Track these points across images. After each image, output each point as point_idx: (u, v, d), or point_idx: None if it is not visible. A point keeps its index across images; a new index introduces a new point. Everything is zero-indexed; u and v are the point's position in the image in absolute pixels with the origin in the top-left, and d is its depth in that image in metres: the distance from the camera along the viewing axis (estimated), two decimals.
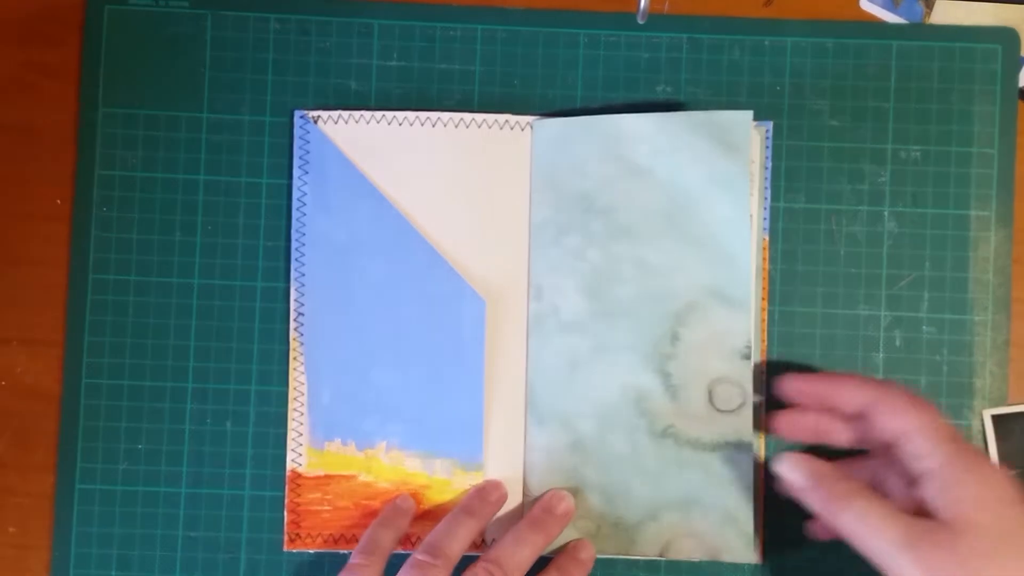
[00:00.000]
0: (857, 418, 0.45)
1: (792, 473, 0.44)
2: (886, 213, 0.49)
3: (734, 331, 0.47)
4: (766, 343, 0.49)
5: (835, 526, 0.42)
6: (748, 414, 0.47)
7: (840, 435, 0.46)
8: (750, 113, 0.47)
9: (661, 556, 0.48)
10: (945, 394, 0.49)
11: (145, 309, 0.49)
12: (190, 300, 0.49)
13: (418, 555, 0.44)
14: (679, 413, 0.48)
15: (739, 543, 0.48)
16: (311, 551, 0.49)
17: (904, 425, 0.42)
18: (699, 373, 0.47)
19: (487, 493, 0.48)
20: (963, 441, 0.42)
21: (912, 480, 0.42)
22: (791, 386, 0.47)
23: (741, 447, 0.47)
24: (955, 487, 0.40)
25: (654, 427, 0.48)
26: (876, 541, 0.40)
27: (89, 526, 0.49)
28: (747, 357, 0.47)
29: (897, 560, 0.40)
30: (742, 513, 0.47)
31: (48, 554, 0.49)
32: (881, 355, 0.49)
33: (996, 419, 0.49)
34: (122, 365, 0.49)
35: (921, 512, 0.41)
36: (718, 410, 0.47)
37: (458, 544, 0.45)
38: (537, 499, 0.48)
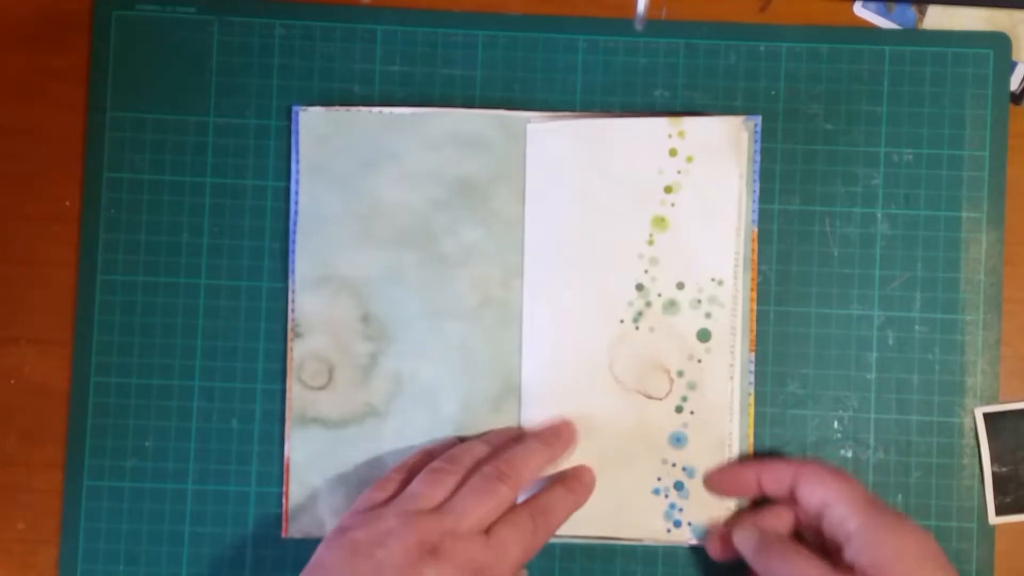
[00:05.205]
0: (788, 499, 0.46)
1: (744, 542, 0.46)
2: (879, 215, 0.50)
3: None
4: (755, 334, 0.50)
5: None
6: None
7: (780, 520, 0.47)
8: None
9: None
10: (937, 392, 0.50)
11: (153, 309, 0.50)
12: (197, 300, 0.50)
13: (489, 468, 0.44)
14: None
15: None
16: (311, 540, 0.49)
17: (826, 494, 0.44)
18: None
19: (559, 429, 0.48)
20: (883, 505, 0.44)
21: (838, 548, 0.43)
22: (717, 480, 0.48)
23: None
24: (874, 546, 0.42)
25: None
26: None
27: (97, 522, 0.49)
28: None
29: None
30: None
31: (56, 549, 0.50)
32: (874, 354, 0.50)
33: (988, 417, 0.50)
34: (130, 364, 0.50)
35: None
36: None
37: (529, 469, 0.45)
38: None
